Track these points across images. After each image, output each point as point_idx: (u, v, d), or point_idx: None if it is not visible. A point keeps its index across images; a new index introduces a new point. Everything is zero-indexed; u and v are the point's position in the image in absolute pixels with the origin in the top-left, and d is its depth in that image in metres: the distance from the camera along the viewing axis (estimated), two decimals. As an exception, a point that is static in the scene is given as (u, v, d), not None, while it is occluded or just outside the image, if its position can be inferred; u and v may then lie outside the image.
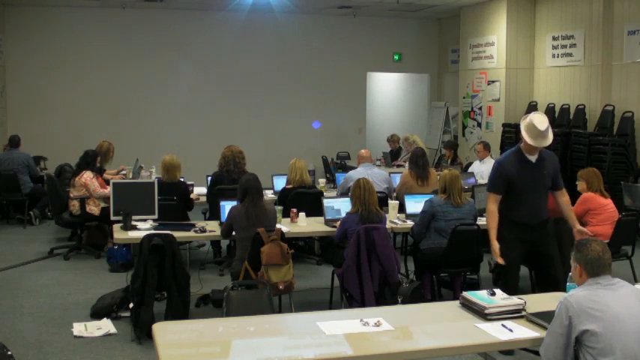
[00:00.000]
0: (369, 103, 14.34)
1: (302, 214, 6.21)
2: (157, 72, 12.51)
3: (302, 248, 8.00)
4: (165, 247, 5.10)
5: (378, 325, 3.37)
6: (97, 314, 5.57)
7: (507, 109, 11.27)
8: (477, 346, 3.36)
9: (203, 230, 5.85)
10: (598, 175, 6.43)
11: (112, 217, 5.97)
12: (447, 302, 4.13)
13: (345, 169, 10.14)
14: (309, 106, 13.32)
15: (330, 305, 5.82)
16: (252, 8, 11.92)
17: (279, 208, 6.18)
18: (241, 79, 12.87)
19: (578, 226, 5.03)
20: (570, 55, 10.31)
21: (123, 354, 4.84)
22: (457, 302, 3.76)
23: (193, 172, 9.40)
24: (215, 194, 6.86)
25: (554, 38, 10.69)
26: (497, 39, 11.36)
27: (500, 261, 4.82)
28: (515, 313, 3.54)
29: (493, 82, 11.50)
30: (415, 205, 6.39)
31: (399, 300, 5.00)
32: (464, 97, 12.44)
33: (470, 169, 9.29)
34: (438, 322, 3.52)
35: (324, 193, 7.38)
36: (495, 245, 4.85)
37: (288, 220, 6.25)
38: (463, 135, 12.53)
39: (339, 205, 6.25)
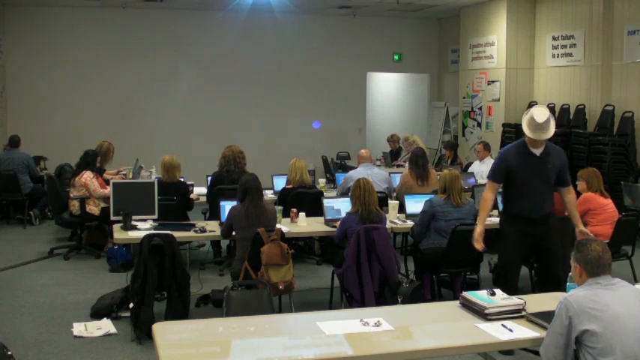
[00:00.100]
0: (369, 103, 14.34)
1: (302, 214, 6.21)
2: (157, 72, 12.51)
3: (302, 248, 8.00)
4: (165, 247, 5.10)
5: (378, 325, 3.37)
6: (97, 314, 5.56)
7: (507, 109, 11.27)
8: (477, 346, 3.36)
9: (203, 230, 5.85)
10: (598, 175, 6.43)
11: (112, 217, 5.97)
12: (447, 302, 4.13)
13: (345, 169, 10.14)
14: (309, 106, 13.32)
15: (330, 305, 5.82)
16: (252, 8, 11.92)
17: (279, 208, 6.18)
18: (241, 79, 12.87)
19: (581, 227, 5.02)
20: (570, 55, 10.32)
21: (123, 354, 4.84)
22: (457, 302, 3.76)
23: (193, 172, 9.40)
24: (215, 194, 6.86)
25: (554, 38, 10.69)
26: (497, 39, 11.36)
27: (479, 246, 4.88)
28: (515, 313, 3.54)
29: (493, 82, 11.50)
30: (415, 205, 6.39)
31: (399, 300, 5.00)
32: (464, 97, 12.44)
33: (470, 169, 9.29)
34: (438, 322, 3.52)
35: (324, 193, 7.38)
36: (479, 230, 4.92)
37: (288, 220, 6.25)
38: (463, 135, 12.53)
39: (339, 205, 6.25)
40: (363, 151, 7.91)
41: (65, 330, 5.28)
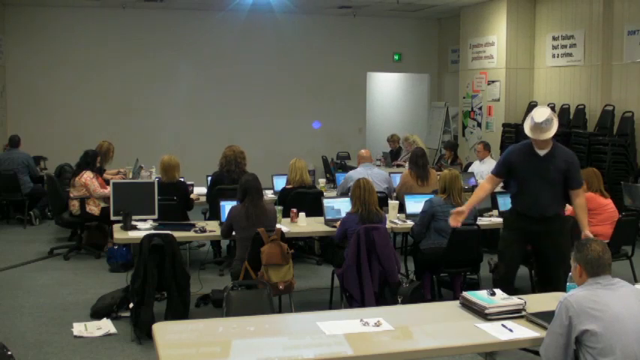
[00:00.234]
0: (369, 103, 14.34)
1: (302, 214, 6.21)
2: (157, 72, 12.51)
3: (302, 248, 8.00)
4: (165, 247, 5.10)
5: (378, 325, 3.37)
6: (97, 314, 5.56)
7: (507, 109, 11.27)
8: (477, 346, 3.36)
9: (203, 230, 5.85)
10: (598, 175, 6.43)
11: (112, 217, 5.97)
12: (447, 302, 4.14)
13: (345, 169, 10.14)
14: (309, 106, 13.32)
15: (330, 305, 5.82)
16: (252, 8, 11.92)
17: (279, 208, 6.18)
18: (241, 79, 12.87)
19: (587, 232, 4.97)
20: (570, 55, 10.32)
21: (123, 354, 4.84)
22: (457, 302, 3.76)
23: (193, 172, 9.39)
24: (215, 194, 6.86)
25: (554, 38, 10.69)
26: (497, 39, 11.36)
27: (453, 222, 4.98)
28: (515, 313, 3.54)
29: (493, 82, 11.50)
30: (415, 205, 6.39)
31: (399, 300, 5.00)
32: (464, 97, 12.44)
33: (470, 169, 9.29)
34: (438, 322, 3.52)
35: (324, 193, 7.38)
36: (461, 208, 5.05)
37: (288, 220, 6.25)
38: (463, 135, 12.53)
39: (339, 205, 6.25)
40: (363, 151, 7.92)
41: (65, 330, 5.28)
